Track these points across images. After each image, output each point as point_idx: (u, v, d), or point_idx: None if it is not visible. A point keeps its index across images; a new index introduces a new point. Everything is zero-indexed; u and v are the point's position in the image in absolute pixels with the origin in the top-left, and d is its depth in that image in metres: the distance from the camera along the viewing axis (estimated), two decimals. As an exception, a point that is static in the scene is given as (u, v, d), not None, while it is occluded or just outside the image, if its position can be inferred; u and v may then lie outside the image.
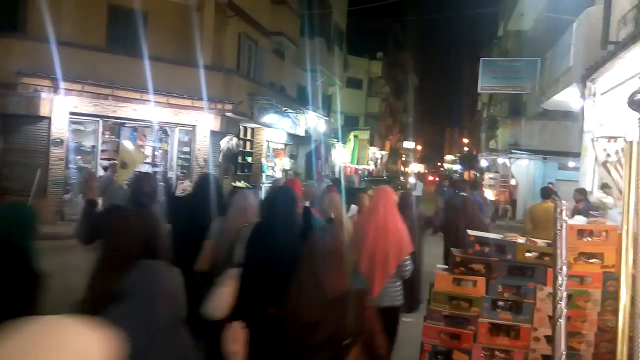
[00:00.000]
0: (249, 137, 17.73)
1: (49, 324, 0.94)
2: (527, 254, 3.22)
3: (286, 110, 17.58)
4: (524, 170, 18.79)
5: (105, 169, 11.93)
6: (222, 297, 2.54)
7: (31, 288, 2.33)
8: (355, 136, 30.16)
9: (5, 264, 2.32)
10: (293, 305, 2.14)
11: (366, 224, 3.96)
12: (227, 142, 14.52)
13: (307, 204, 4.69)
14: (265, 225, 3.01)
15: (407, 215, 5.01)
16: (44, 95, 11.30)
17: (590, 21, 9.03)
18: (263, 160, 18.48)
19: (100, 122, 12.52)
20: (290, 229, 2.97)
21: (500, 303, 3.22)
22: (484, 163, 27.52)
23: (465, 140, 60.84)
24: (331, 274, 2.14)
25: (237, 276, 2.72)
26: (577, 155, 10.14)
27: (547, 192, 7.85)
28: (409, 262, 3.94)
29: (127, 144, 10.32)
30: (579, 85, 8.96)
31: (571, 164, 15.25)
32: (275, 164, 19.66)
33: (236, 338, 1.73)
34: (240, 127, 16.58)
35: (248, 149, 17.78)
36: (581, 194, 7.93)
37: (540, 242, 3.30)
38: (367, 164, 33.28)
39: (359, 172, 29.21)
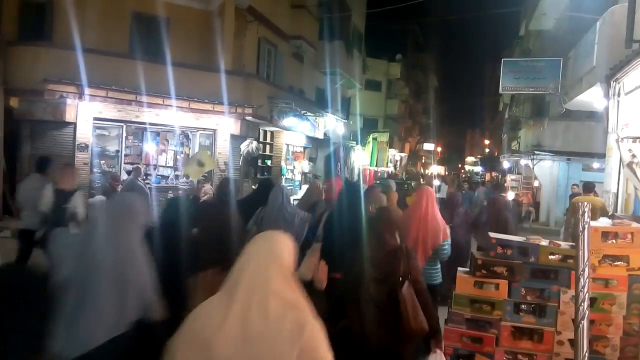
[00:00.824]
0: (268, 140, 17.85)
1: (271, 233, 2.00)
2: (551, 257, 3.19)
3: (305, 113, 17.66)
4: (547, 171, 18.50)
5: (128, 172, 12.15)
6: (310, 263, 3.36)
7: (196, 256, 3.41)
8: (375, 138, 30.06)
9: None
10: (364, 255, 3.20)
11: (411, 215, 4.85)
12: (247, 145, 14.65)
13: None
14: (337, 212, 4.21)
15: (456, 213, 6.62)
16: (69, 101, 11.55)
17: (615, 20, 8.87)
18: (282, 164, 18.58)
19: (124, 127, 12.76)
20: (355, 214, 4.00)
21: (523, 306, 3.20)
22: (506, 164, 27.18)
23: (487, 142, 60.11)
24: (388, 236, 3.25)
25: (319, 249, 3.90)
26: (601, 156, 9.95)
27: (589, 186, 8.91)
28: (446, 247, 4.77)
29: (205, 150, 12.53)
30: (603, 85, 8.80)
31: (596, 165, 14.98)
32: (294, 167, 19.75)
33: (322, 271, 2.75)
34: (260, 130, 16.71)
35: (268, 152, 17.89)
36: (586, 187, 9.21)
37: (564, 245, 3.26)
38: (387, 166, 33.12)
39: (379, 174, 29.09)
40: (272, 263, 1.78)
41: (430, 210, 4.71)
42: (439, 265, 4.84)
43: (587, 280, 1.63)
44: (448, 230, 4.84)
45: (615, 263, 3.08)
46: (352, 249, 3.37)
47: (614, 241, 3.08)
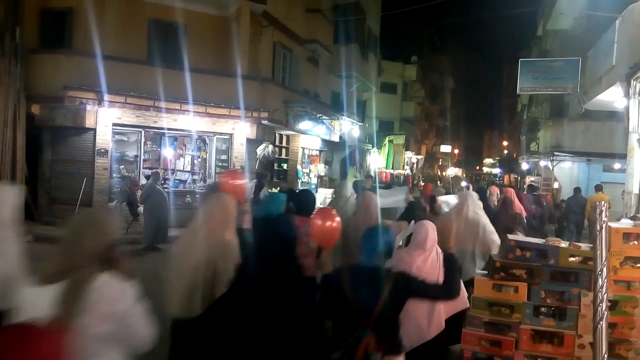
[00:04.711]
0: (284, 144, 17.91)
1: None
2: (571, 259, 3.14)
3: (321, 116, 17.68)
4: (567, 172, 18.22)
5: (147, 177, 12.30)
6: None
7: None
8: (391, 141, 29.95)
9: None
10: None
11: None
12: (263, 149, 14.72)
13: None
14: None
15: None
16: (89, 107, 11.76)
17: (634, 18, 8.72)
18: (298, 167, 18.61)
19: (142, 132, 12.94)
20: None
21: (543, 309, 3.16)
22: (524, 166, 26.83)
23: (505, 143, 59.41)
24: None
25: None
26: (622, 156, 9.77)
27: (598, 186, 12.45)
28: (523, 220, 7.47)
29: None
30: (623, 84, 8.65)
31: (617, 165, 14.72)
32: (310, 170, 19.76)
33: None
34: (276, 134, 16.78)
35: (284, 155, 17.95)
36: (576, 190, 13.60)
37: (584, 247, 3.21)
38: (403, 169, 32.94)
39: (395, 177, 28.96)
40: None
41: (516, 200, 7.38)
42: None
43: (606, 280, 1.60)
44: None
45: (637, 265, 3.02)
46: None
47: (635, 242, 3.02)
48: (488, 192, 8.16)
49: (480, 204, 5.59)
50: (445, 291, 2.79)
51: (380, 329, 2.59)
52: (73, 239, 2.03)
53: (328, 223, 3.37)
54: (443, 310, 3.37)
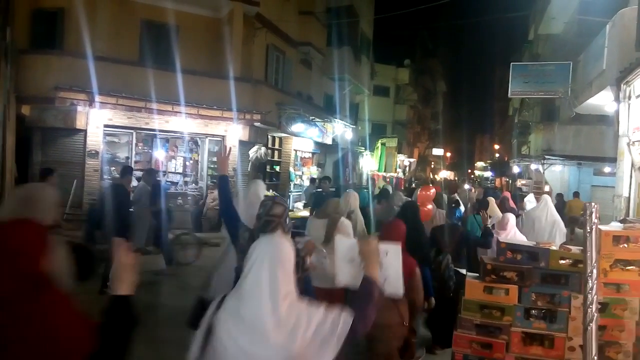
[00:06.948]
0: (277, 146, 17.89)
1: None
2: (561, 261, 3.15)
3: (314, 119, 17.68)
4: (558, 176, 18.35)
5: (138, 179, 12.21)
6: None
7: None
8: (383, 144, 30.00)
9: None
10: None
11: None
12: (256, 151, 14.68)
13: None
14: None
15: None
16: (80, 108, 11.68)
17: (624, 22, 8.80)
18: (291, 169, 18.60)
19: (134, 133, 12.86)
20: None
21: (534, 312, 3.17)
22: (516, 169, 27.00)
23: (497, 147, 59.77)
24: None
25: None
26: (612, 160, 9.87)
27: (576, 193, 14.92)
28: None
29: None
30: (613, 88, 8.73)
31: (607, 169, 14.84)
32: (302, 173, 19.76)
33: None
34: (269, 136, 16.76)
35: (276, 158, 17.93)
36: (559, 196, 14.90)
37: (575, 249, 3.23)
38: (395, 172, 33.00)
39: (387, 179, 29.00)
40: None
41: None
42: None
43: (596, 282, 1.60)
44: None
45: (627, 267, 3.04)
46: None
47: (625, 245, 3.04)
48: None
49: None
50: (483, 245, 5.68)
51: (453, 254, 5.39)
52: (334, 205, 4.98)
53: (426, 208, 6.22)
54: None
